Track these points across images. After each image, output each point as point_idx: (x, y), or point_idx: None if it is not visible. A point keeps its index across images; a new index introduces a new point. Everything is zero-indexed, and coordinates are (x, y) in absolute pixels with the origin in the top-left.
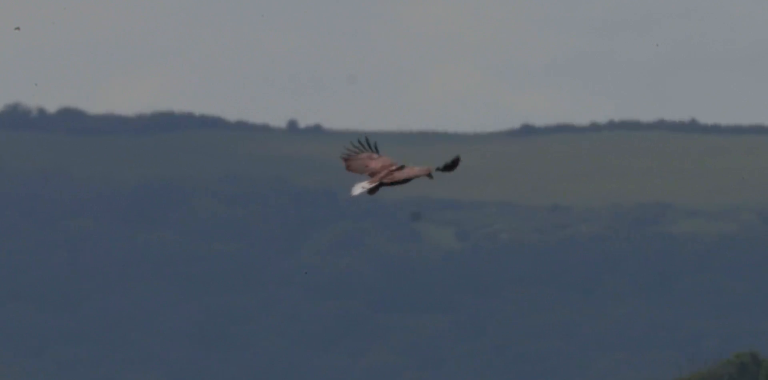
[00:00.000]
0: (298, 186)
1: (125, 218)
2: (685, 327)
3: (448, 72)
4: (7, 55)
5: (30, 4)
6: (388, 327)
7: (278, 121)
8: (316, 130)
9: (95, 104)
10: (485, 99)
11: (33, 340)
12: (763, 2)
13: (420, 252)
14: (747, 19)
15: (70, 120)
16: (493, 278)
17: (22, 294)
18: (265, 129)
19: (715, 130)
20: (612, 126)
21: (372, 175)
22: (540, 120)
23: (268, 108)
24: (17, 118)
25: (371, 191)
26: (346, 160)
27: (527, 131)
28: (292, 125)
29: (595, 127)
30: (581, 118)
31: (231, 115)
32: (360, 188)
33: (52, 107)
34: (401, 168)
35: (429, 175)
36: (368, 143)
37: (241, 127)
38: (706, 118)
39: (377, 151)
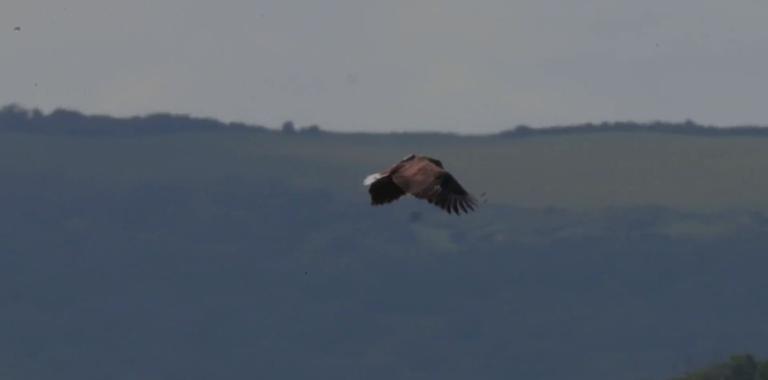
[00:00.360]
0: (295, 187)
1: (122, 219)
2: (680, 328)
3: (445, 74)
4: (3, 57)
5: (27, 7)
6: (386, 328)
7: (274, 122)
8: (312, 132)
9: (91, 106)
10: (481, 101)
11: (30, 340)
12: (760, 5)
13: (416, 254)
14: (745, 21)
15: (66, 121)
16: (489, 279)
17: (19, 295)
18: (260, 131)
19: (711, 131)
20: (607, 128)
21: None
22: (535, 122)
23: (263, 110)
24: (13, 120)
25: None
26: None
27: (523, 133)
28: (288, 127)
29: (590, 129)
30: (577, 120)
31: (227, 117)
32: (372, 179)
33: (48, 109)
34: (411, 158)
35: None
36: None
37: (237, 128)
38: (701, 120)
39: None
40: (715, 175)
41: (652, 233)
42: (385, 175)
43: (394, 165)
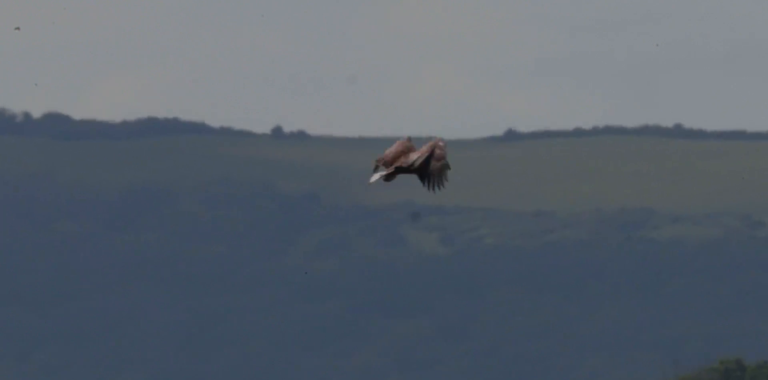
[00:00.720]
0: (284, 191)
1: (111, 222)
2: (670, 330)
3: (434, 78)
4: None
5: (16, 10)
6: (375, 330)
7: (263, 126)
8: (301, 136)
9: (80, 109)
10: (470, 105)
11: (21, 342)
12: (751, 8)
13: (405, 257)
14: (736, 24)
15: (56, 125)
16: (479, 282)
17: (10, 297)
18: (249, 134)
19: (701, 135)
20: (597, 131)
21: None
22: (525, 125)
23: (252, 114)
24: (3, 123)
25: (387, 178)
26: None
27: (512, 136)
28: (277, 131)
29: (579, 133)
30: (565, 124)
31: (216, 120)
32: (377, 176)
33: (37, 112)
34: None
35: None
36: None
37: (226, 132)
38: (691, 123)
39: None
40: (705, 178)
41: (642, 236)
42: (390, 171)
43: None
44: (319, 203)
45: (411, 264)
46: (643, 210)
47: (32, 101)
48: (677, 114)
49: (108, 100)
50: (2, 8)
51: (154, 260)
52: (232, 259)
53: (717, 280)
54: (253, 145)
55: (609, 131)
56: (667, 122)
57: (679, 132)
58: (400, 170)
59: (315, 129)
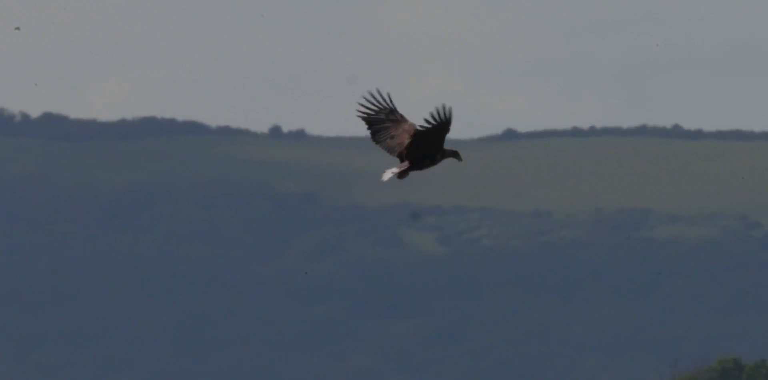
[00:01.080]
0: (282, 191)
1: (108, 223)
2: (667, 331)
3: (431, 78)
4: None
5: (12, 10)
6: (372, 331)
7: (261, 126)
8: (299, 136)
9: (78, 109)
10: (468, 104)
11: (16, 344)
12: (747, 8)
13: (403, 257)
14: (732, 25)
15: (54, 125)
16: (475, 283)
17: (4, 298)
18: (247, 134)
19: (699, 135)
20: (594, 131)
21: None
22: (522, 126)
23: (250, 113)
24: (0, 123)
25: (401, 175)
26: (372, 129)
27: (509, 136)
28: (275, 130)
29: (577, 133)
30: (563, 124)
31: (213, 120)
32: (390, 174)
33: (35, 112)
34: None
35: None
36: (384, 99)
37: (224, 132)
38: (689, 124)
39: (395, 108)
40: (703, 178)
41: (639, 236)
42: (404, 168)
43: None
44: (317, 203)
45: (408, 264)
46: (641, 210)
47: (30, 101)
48: (675, 114)
49: (105, 100)
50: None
51: (151, 261)
52: (230, 260)
53: (715, 280)
54: (250, 145)
55: (607, 131)
56: (665, 122)
57: (676, 132)
58: (414, 165)
59: (313, 129)
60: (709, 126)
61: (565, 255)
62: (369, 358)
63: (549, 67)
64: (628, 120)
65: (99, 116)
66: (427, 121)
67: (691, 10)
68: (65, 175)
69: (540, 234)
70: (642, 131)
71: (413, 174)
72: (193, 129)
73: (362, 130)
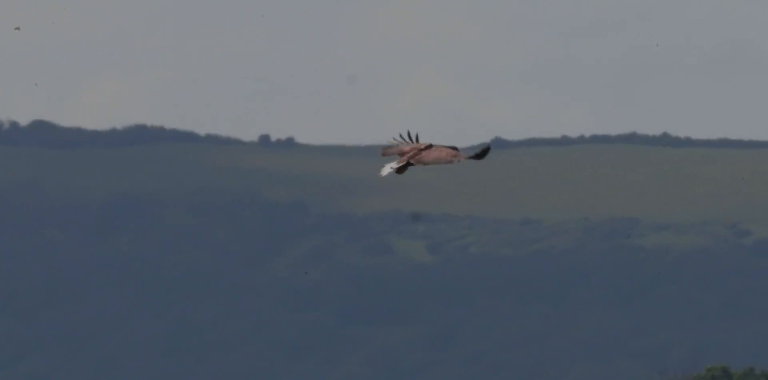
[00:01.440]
0: (271, 199)
1: (98, 229)
2: (655, 339)
3: (420, 86)
4: None
5: (11, 14)
6: (361, 338)
7: (250, 134)
8: (288, 144)
9: (67, 117)
10: (457, 113)
11: (5, 350)
12: (737, 15)
13: (392, 265)
14: (722, 33)
15: (43, 133)
16: (465, 290)
17: None
18: (237, 142)
19: (687, 143)
20: (583, 140)
21: (401, 155)
22: (511, 134)
23: (239, 122)
24: None
25: (399, 170)
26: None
27: (498, 145)
28: (264, 139)
29: (566, 141)
30: (552, 132)
31: (203, 128)
32: (388, 169)
33: (24, 120)
34: (429, 147)
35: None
36: (410, 136)
37: (213, 140)
38: (678, 132)
39: (417, 141)
40: (691, 186)
41: (628, 244)
42: (402, 164)
43: (411, 153)
44: (306, 211)
45: (398, 272)
46: (629, 218)
47: (19, 109)
48: (663, 122)
49: (95, 107)
50: None
51: (140, 268)
52: (220, 267)
53: (703, 288)
54: (239, 153)
55: (596, 139)
56: (654, 130)
57: (665, 140)
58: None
59: (302, 137)
60: (698, 134)
61: (555, 262)
62: (360, 364)
63: (538, 75)
64: (616, 128)
65: (89, 124)
66: (470, 156)
67: (679, 19)
68: (55, 182)
69: (529, 242)
70: (631, 139)
71: (403, 182)
72: (183, 137)
73: (351, 139)
